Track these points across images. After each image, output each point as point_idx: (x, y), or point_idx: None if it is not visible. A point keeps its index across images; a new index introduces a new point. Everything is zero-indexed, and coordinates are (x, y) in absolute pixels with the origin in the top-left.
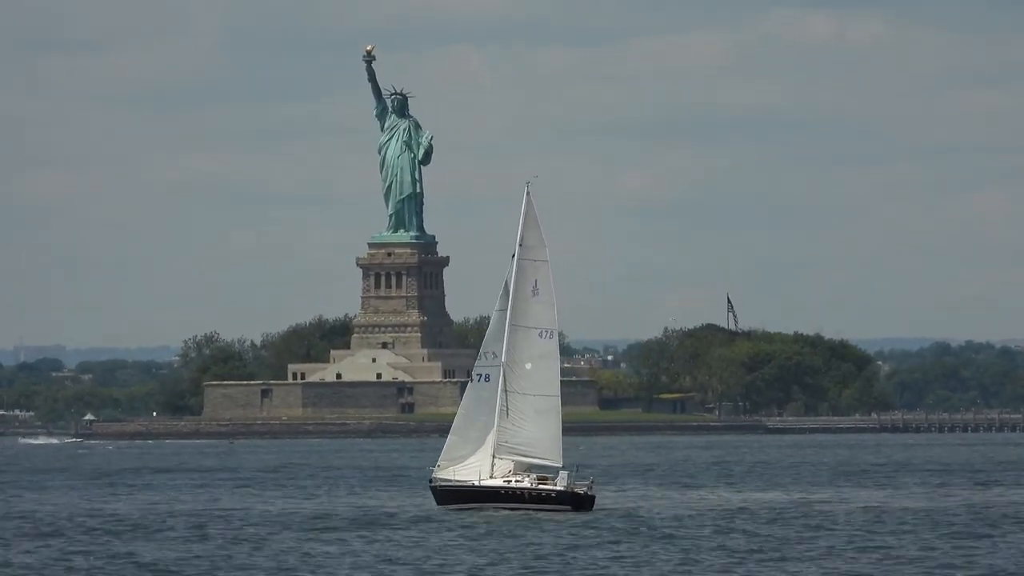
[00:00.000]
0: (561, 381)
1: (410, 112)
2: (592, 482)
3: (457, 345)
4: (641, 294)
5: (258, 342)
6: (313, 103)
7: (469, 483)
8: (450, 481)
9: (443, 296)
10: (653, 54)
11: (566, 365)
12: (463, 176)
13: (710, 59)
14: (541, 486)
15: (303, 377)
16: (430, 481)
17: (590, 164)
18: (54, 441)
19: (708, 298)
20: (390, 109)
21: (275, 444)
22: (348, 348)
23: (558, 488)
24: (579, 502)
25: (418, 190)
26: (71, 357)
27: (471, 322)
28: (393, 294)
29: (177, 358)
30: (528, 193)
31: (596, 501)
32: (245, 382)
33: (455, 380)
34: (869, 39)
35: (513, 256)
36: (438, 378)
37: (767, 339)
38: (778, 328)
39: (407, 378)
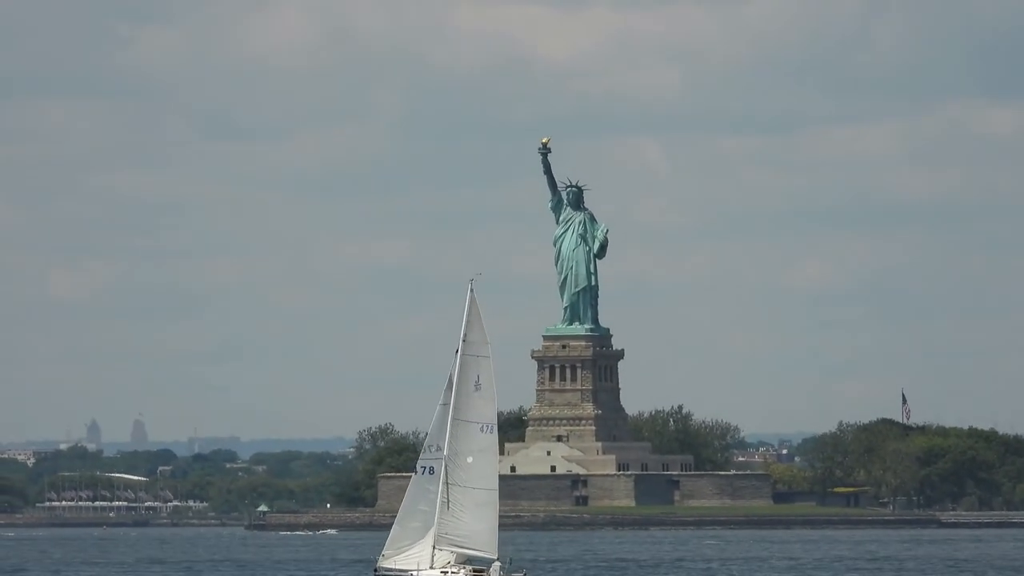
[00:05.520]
0: (736, 475)
1: (585, 204)
2: (525, 573)
3: (631, 438)
4: (815, 385)
5: None
6: (488, 191)
7: (408, 573)
8: (391, 570)
9: (618, 389)
10: (831, 142)
11: (741, 459)
12: (638, 267)
13: (889, 147)
14: None
15: None
16: (375, 570)
17: (766, 253)
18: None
19: (882, 390)
20: (565, 201)
21: None
22: (523, 440)
23: None
24: None
25: (593, 283)
26: (245, 448)
27: (645, 415)
28: (568, 387)
29: (352, 449)
30: (472, 290)
31: None
32: None
33: (629, 473)
34: None
35: (456, 352)
36: (612, 471)
37: (941, 434)
38: (952, 422)
39: (581, 471)
